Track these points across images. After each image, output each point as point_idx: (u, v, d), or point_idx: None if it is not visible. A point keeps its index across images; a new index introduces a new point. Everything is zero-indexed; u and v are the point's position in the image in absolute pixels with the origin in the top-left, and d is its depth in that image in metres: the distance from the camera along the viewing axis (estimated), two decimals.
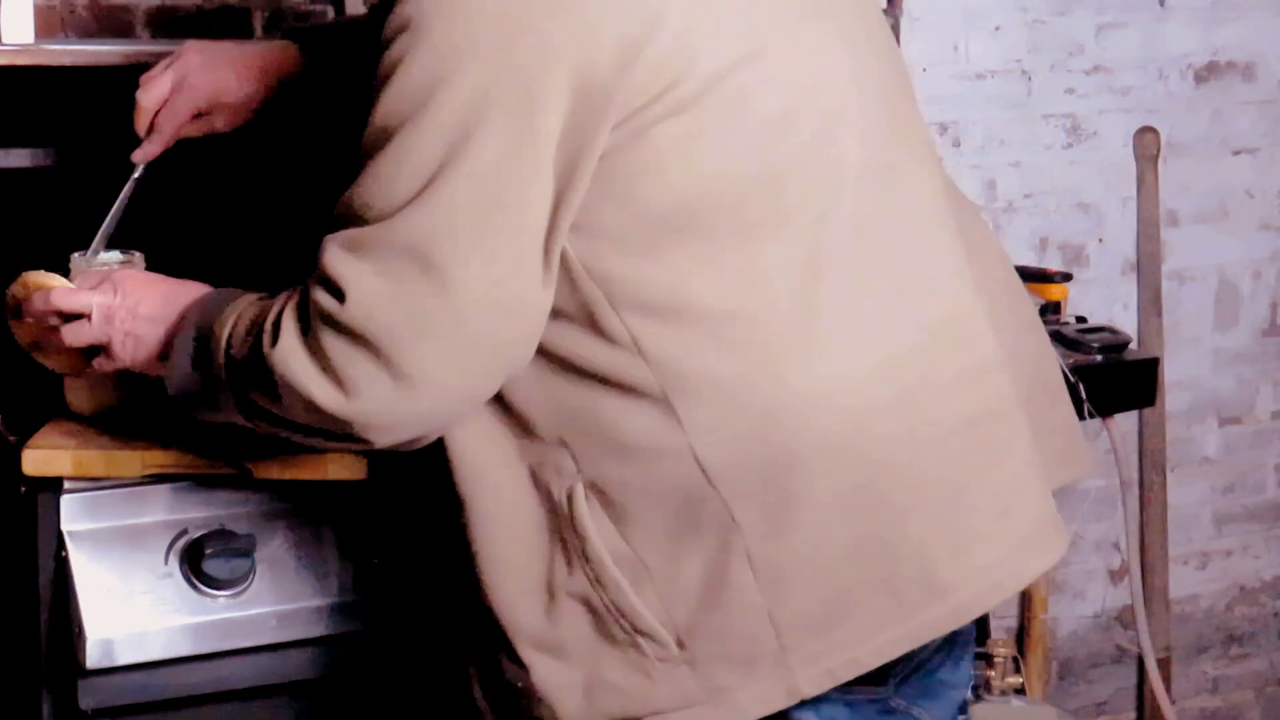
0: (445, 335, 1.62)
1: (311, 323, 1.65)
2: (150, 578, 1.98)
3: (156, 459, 1.99)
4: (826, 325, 1.68)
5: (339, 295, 1.63)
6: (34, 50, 2.30)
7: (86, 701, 1.96)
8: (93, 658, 1.94)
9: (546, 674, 1.73)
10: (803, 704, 1.70)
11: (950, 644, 1.82)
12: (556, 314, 1.67)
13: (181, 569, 1.99)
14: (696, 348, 1.66)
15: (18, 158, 2.31)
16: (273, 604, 2.02)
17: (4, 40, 2.29)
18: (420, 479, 1.96)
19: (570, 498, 1.70)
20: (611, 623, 1.70)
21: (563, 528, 1.71)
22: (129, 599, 1.96)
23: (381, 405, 1.64)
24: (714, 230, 1.66)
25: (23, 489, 1.99)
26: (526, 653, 1.74)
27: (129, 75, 2.26)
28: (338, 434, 1.68)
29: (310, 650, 2.05)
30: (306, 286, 1.67)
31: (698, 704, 1.70)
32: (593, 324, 1.66)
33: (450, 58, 1.60)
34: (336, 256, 1.64)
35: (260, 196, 2.43)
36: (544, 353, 1.69)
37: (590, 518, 1.69)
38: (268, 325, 1.69)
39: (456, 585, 1.79)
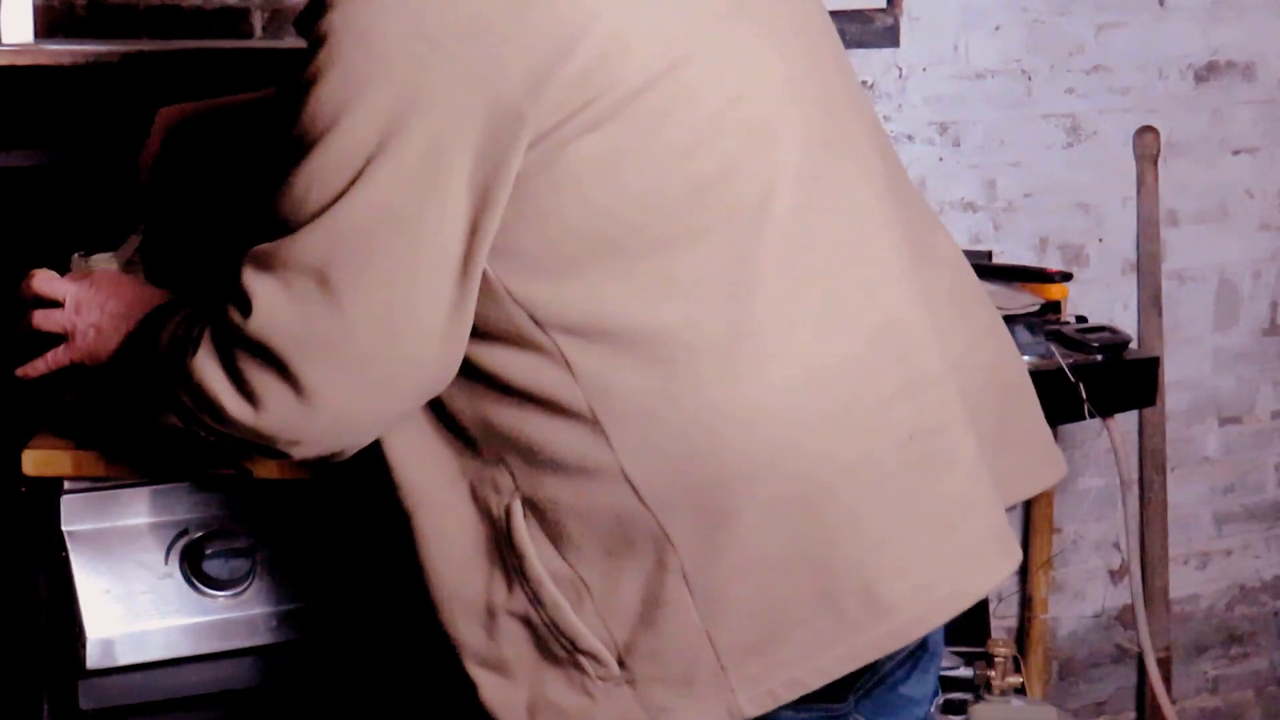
0: (340, 354, 1.62)
1: (224, 336, 1.67)
2: (150, 578, 1.98)
3: (156, 459, 1.99)
4: (756, 340, 1.65)
5: (246, 309, 1.64)
6: (34, 50, 2.30)
7: (86, 702, 1.96)
8: (93, 658, 1.94)
9: (493, 692, 1.72)
10: None
11: (915, 657, 1.81)
12: (486, 334, 1.66)
13: (181, 569, 1.99)
14: (623, 365, 1.64)
15: (18, 158, 2.31)
16: (272, 604, 2.02)
17: (4, 40, 2.29)
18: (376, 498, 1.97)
19: (508, 515, 1.69)
20: (552, 641, 1.69)
21: (501, 546, 1.70)
22: (129, 599, 1.96)
23: (286, 420, 1.65)
24: (635, 246, 1.64)
25: (23, 489, 1.99)
26: (473, 670, 1.73)
27: (129, 75, 2.27)
28: (255, 445, 1.69)
29: (310, 650, 2.05)
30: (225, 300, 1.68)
31: None
32: (521, 343, 1.65)
33: (359, 81, 1.59)
34: (247, 271, 1.65)
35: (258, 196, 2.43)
36: (476, 372, 1.68)
37: (528, 536, 1.68)
38: (192, 335, 1.71)
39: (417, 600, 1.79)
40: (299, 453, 1.68)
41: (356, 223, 1.60)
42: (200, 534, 2.00)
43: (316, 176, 1.62)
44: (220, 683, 2.02)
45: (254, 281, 1.64)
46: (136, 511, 2.01)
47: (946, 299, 1.82)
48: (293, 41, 2.69)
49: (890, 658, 1.75)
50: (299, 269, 1.62)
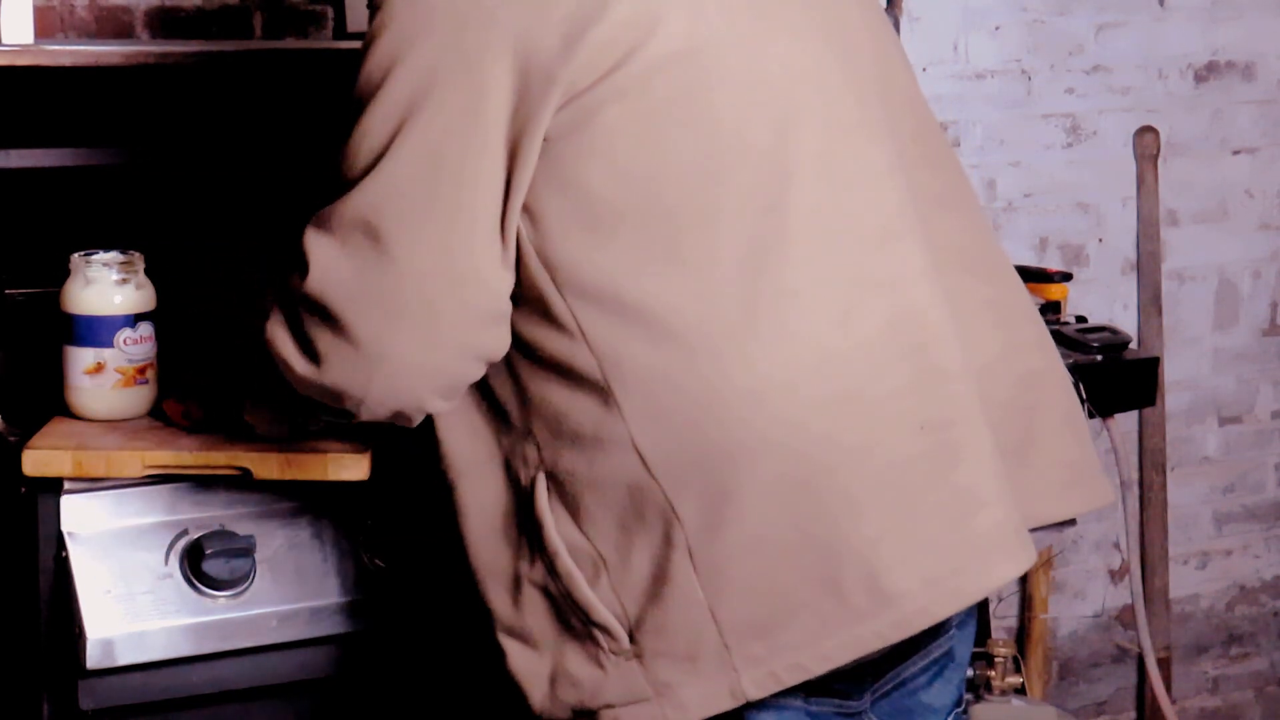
0: (390, 305, 1.66)
1: (287, 298, 1.71)
2: (150, 578, 1.98)
3: (156, 459, 1.99)
4: (766, 320, 1.67)
5: (304, 270, 1.69)
6: (34, 50, 2.30)
7: (86, 702, 1.96)
8: (93, 658, 1.94)
9: (518, 661, 1.76)
10: (762, 708, 1.69)
11: (939, 664, 1.81)
12: (517, 297, 1.69)
13: (181, 569, 1.99)
14: (634, 336, 1.67)
15: (18, 158, 2.31)
16: (273, 604, 2.02)
17: (4, 40, 2.29)
18: (421, 475, 1.97)
19: (533, 487, 1.72)
20: (569, 613, 1.72)
21: (526, 517, 1.73)
22: (129, 599, 1.96)
23: (349, 377, 1.69)
24: (654, 220, 1.67)
25: (23, 489, 1.99)
26: (502, 638, 1.76)
27: (129, 75, 2.27)
28: (331, 405, 1.74)
29: (310, 650, 2.05)
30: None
31: (645, 699, 1.70)
32: (544, 309, 1.69)
33: (407, 38, 1.67)
34: (308, 233, 1.71)
35: (259, 196, 2.43)
36: (513, 340, 1.71)
37: (548, 508, 1.71)
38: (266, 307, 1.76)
39: (459, 573, 1.81)
40: (366, 411, 1.72)
41: (402, 174, 1.66)
42: (200, 534, 2.00)
43: (367, 132, 1.68)
44: (220, 683, 2.02)
45: (312, 242, 1.69)
46: (136, 511, 2.01)
47: (982, 308, 1.82)
48: (293, 41, 2.69)
49: (911, 661, 1.75)
50: (352, 224, 1.67)
